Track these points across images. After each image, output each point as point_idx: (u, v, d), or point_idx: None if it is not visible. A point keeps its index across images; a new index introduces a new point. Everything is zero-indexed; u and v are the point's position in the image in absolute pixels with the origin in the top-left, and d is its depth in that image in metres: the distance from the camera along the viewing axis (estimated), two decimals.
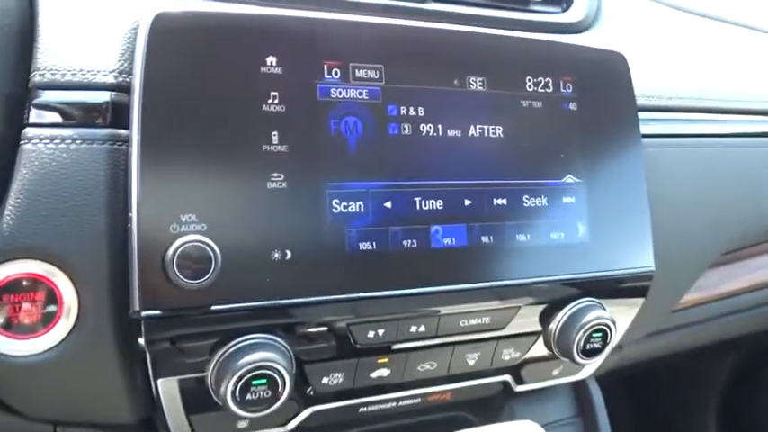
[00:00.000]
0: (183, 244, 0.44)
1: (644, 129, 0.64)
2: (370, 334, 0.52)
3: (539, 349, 0.62)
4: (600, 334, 0.59)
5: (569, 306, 0.59)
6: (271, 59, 0.49)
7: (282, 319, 0.48)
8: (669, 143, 0.69)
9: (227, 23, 0.48)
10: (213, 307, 0.45)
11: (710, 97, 0.74)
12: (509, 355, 0.61)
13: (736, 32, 0.85)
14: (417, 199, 0.53)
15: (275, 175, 0.48)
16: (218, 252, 0.45)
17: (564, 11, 0.69)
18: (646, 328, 0.73)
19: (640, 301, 0.65)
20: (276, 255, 0.47)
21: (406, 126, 0.53)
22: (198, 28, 0.47)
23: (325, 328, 0.50)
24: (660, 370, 1.16)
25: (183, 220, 0.45)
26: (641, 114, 0.64)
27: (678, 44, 0.76)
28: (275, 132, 0.48)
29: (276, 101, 0.48)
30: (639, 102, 0.65)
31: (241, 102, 0.48)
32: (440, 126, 0.54)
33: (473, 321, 0.56)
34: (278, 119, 0.48)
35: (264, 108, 0.48)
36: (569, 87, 0.60)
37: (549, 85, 0.59)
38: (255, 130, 0.48)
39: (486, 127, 0.56)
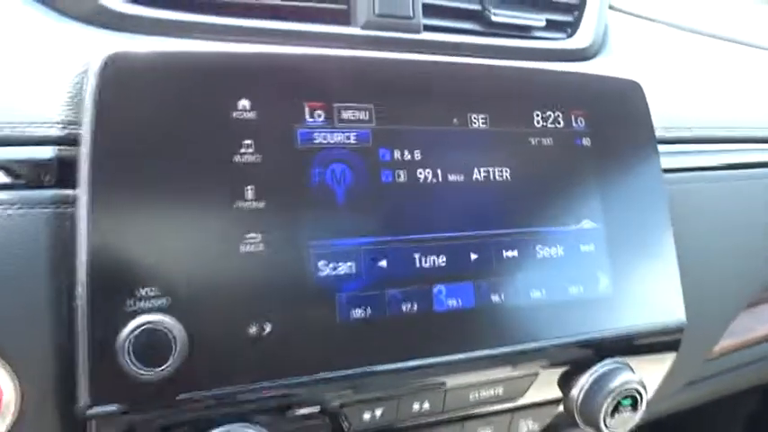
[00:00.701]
0: (141, 326, 0.37)
1: (664, 163, 0.58)
2: (366, 416, 0.45)
3: (559, 417, 0.54)
4: (629, 401, 0.52)
5: (593, 369, 0.52)
6: (243, 103, 0.42)
7: (262, 404, 0.41)
8: (693, 177, 0.62)
9: (191, 63, 0.42)
10: (178, 397, 0.38)
11: (733, 125, 0.68)
12: (526, 427, 0.53)
13: (754, 54, 0.79)
14: (417, 255, 0.46)
15: (251, 235, 0.41)
16: (182, 332, 0.38)
17: (569, 37, 0.64)
18: (678, 382, 0.66)
19: (672, 355, 0.57)
20: (253, 329, 0.40)
21: (400, 172, 0.46)
22: (156, 69, 0.41)
23: (314, 411, 0.43)
24: (681, 415, 1.08)
25: (141, 294, 0.38)
26: (660, 147, 0.58)
27: (693, 69, 0.71)
28: (250, 186, 0.42)
29: (250, 150, 0.42)
30: (658, 134, 0.58)
31: (209, 152, 0.41)
32: (439, 171, 0.48)
33: (485, 393, 0.49)
34: (253, 171, 0.42)
35: (237, 159, 0.42)
36: (581, 121, 0.54)
37: (560, 119, 0.53)
38: (227, 185, 0.41)
39: (491, 169, 0.49)
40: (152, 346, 0.37)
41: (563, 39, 0.63)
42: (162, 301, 0.38)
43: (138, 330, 0.37)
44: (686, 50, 0.74)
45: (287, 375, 0.41)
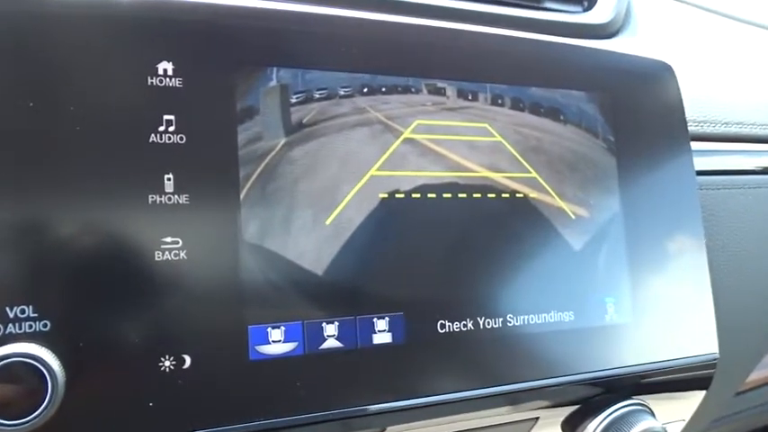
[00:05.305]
0: (4, 358, 0.27)
1: (696, 163, 0.48)
2: None
3: None
4: None
5: (606, 413, 0.42)
6: (164, 66, 0.33)
7: None
8: (729, 182, 0.52)
9: (96, 12, 0.32)
10: None
11: None
12: None
13: None
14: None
15: (168, 240, 0.32)
16: (58, 369, 0.28)
17: (586, 10, 0.54)
18: (702, 422, 0.56)
19: (700, 394, 0.48)
20: (167, 363, 0.31)
21: None
22: (46, 19, 0.31)
23: None
24: None
25: (11, 315, 0.28)
26: (692, 145, 0.48)
27: (730, 58, 0.61)
28: (169, 176, 0.32)
29: (172, 128, 0.32)
30: (689, 129, 0.49)
31: (117, 130, 0.31)
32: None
33: None
34: (174, 155, 0.32)
35: (153, 139, 0.32)
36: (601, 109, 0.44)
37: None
38: (139, 173, 0.31)
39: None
40: (17, 387, 0.27)
41: (578, 12, 0.53)
42: (40, 326, 0.29)
43: (0, 365, 0.27)
44: (722, 38, 0.64)
45: (210, 424, 0.31)
